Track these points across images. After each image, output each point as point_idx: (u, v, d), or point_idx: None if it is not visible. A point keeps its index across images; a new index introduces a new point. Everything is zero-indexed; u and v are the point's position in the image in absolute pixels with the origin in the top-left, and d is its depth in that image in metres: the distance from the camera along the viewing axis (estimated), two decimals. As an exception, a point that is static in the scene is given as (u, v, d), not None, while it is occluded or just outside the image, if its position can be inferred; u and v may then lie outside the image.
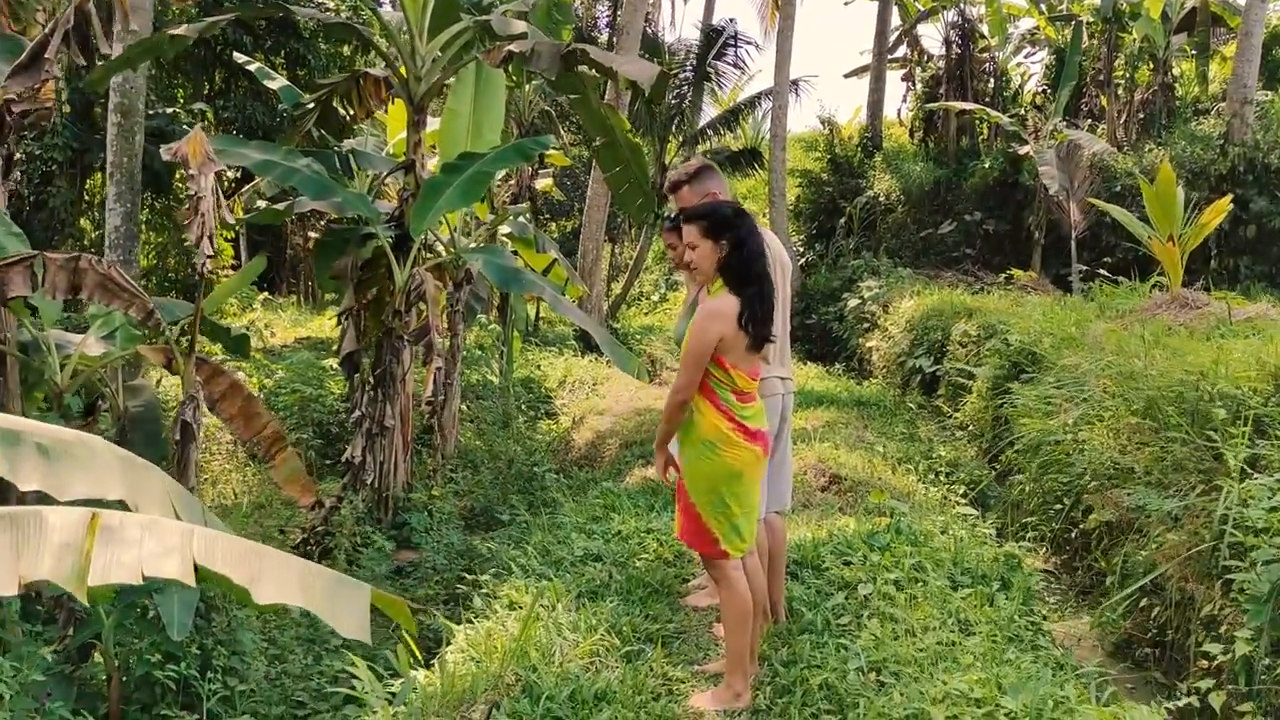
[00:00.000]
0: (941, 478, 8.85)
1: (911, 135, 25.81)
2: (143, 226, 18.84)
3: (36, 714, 4.90)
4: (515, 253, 13.26)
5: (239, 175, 17.58)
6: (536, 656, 4.53)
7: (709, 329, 4.05)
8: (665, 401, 4.26)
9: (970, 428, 11.73)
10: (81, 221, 18.51)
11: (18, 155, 16.84)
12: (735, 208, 4.24)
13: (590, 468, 11.17)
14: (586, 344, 17.80)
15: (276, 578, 2.71)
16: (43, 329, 6.57)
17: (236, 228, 20.65)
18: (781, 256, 4.76)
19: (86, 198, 18.23)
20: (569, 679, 4.31)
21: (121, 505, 3.30)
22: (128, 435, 8.58)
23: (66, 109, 16.64)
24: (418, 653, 5.29)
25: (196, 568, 2.65)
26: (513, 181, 18.19)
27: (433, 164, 9.97)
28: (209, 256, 6.06)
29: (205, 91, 19.70)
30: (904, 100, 27.22)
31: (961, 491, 8.49)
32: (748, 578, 4.26)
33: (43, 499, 3.12)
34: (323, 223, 14.35)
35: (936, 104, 23.62)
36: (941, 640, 4.67)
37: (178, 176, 17.65)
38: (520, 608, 5.55)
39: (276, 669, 6.15)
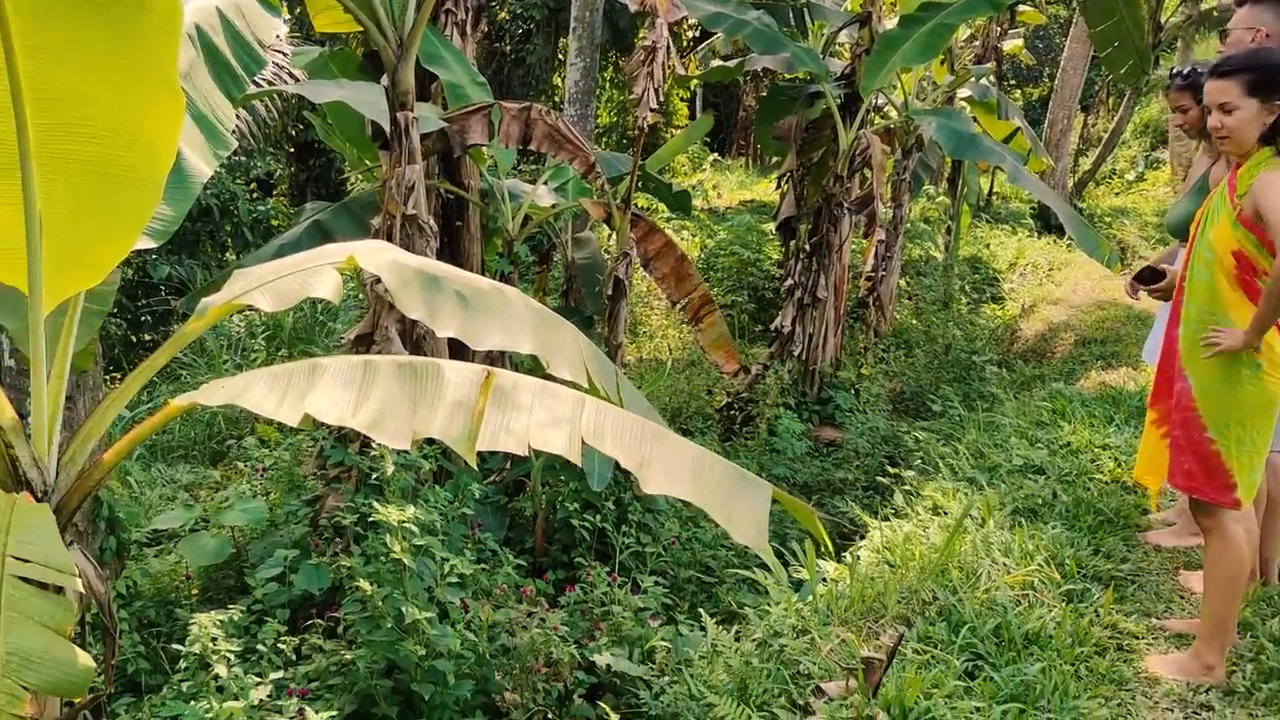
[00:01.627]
0: None
1: None
2: (606, 84, 19.69)
3: (468, 541, 5.21)
4: (974, 119, 12.16)
5: (697, 34, 17.68)
6: (959, 577, 4.00)
7: None
8: (1269, 285, 3.16)
9: None
10: (555, 79, 19.66)
11: (502, 15, 18.05)
12: None
13: (1038, 363, 10.12)
14: (1045, 223, 16.22)
15: (668, 465, 2.42)
16: (499, 177, 6.83)
17: (693, 87, 21.00)
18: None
19: (560, 56, 19.27)
20: (995, 610, 3.76)
21: (533, 360, 3.18)
22: (573, 285, 8.94)
23: (545, -32, 17.55)
24: (829, 544, 4.96)
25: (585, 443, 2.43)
26: (977, 43, 16.71)
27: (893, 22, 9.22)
28: (652, 109, 5.89)
29: (673, -51, 19.86)
30: None
31: None
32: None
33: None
34: (769, 81, 14.04)
35: None
36: None
37: (640, 35, 18.10)
38: (945, 513, 5.02)
39: (689, 532, 6.14)
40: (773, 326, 8.98)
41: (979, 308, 12.76)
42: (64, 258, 2.64)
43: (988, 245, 15.05)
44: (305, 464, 6.52)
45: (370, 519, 4.60)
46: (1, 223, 2.59)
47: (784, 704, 3.49)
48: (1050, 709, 3.19)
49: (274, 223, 14.09)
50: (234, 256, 13.40)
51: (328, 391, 2.53)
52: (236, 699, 3.97)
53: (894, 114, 10.66)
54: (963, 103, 12.65)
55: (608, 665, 4.37)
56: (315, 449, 6.31)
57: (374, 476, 5.03)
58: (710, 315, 7.25)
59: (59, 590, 2.48)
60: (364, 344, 5.81)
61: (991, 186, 18.01)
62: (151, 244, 3.01)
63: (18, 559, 2.31)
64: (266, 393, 2.57)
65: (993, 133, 11.85)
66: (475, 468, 2.83)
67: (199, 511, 5.95)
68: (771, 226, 13.15)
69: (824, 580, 4.50)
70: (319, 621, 4.74)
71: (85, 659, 2.25)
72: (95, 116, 2.41)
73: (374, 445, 5.05)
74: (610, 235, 13.94)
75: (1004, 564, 4.12)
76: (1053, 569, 4.11)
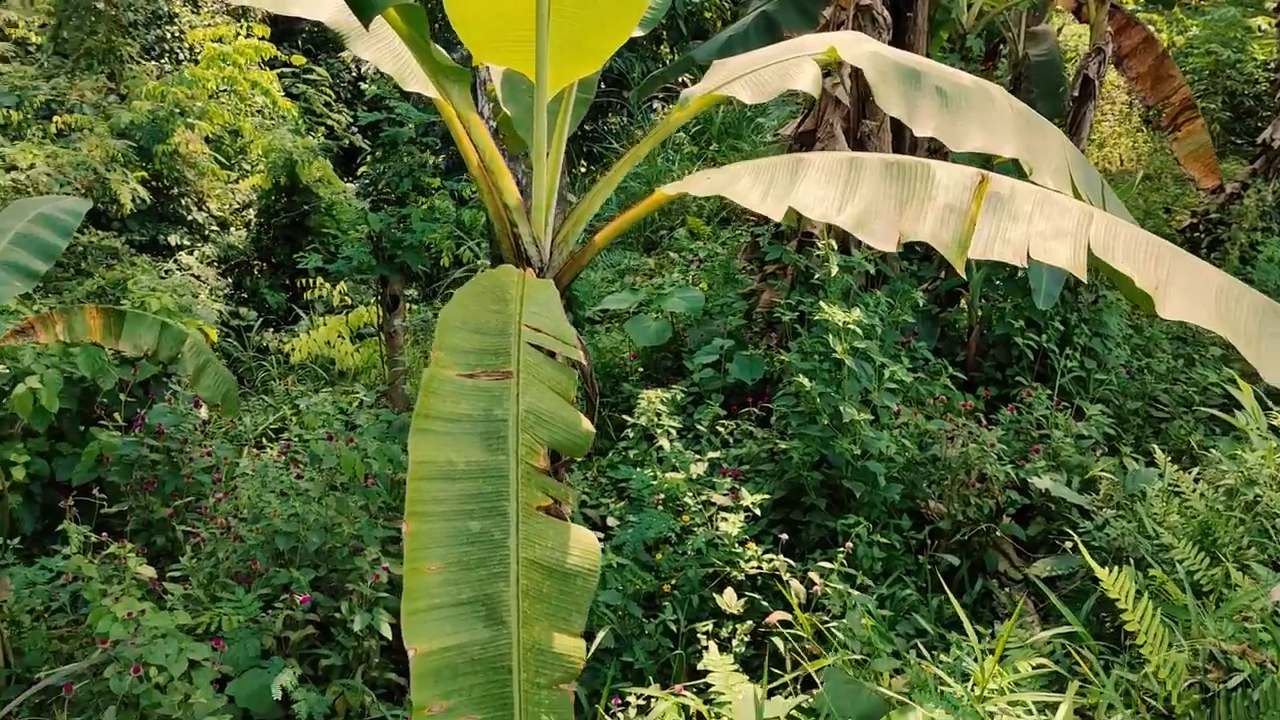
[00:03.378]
0: None
1: None
2: None
3: (902, 348, 5.13)
4: None
5: None
6: None
7: None
8: None
9: None
10: None
11: None
12: None
13: None
14: None
15: (1189, 290, 2.16)
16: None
17: None
18: None
19: None
20: None
21: (1015, 165, 2.96)
22: (1023, 85, 8.24)
23: None
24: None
25: (1091, 258, 2.22)
26: None
27: None
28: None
29: None
30: None
31: None
32: None
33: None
34: None
35: None
36: None
37: None
38: None
39: (1140, 362, 5.68)
40: (1258, 140, 7.79)
41: None
42: (569, 45, 2.77)
43: None
44: (737, 258, 6.68)
45: (808, 316, 4.64)
46: (515, 14, 2.74)
47: (1258, 558, 3.19)
48: None
49: (706, 14, 14.15)
50: (668, 49, 13.68)
51: (812, 188, 2.50)
52: (676, 470, 4.29)
53: None
54: None
55: (1045, 490, 4.21)
56: (746, 243, 6.44)
57: (815, 276, 5.05)
58: (1191, 122, 6.42)
59: (552, 355, 2.73)
60: (805, 141, 5.75)
61: None
62: (641, 32, 3.08)
63: (531, 328, 2.55)
64: (751, 185, 2.59)
65: None
66: (963, 275, 2.71)
67: (642, 295, 6.34)
68: (1262, 22, 11.30)
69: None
70: (753, 409, 4.95)
71: (586, 423, 2.47)
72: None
73: (817, 242, 5.04)
74: (1060, 28, 12.63)
75: None
76: None
